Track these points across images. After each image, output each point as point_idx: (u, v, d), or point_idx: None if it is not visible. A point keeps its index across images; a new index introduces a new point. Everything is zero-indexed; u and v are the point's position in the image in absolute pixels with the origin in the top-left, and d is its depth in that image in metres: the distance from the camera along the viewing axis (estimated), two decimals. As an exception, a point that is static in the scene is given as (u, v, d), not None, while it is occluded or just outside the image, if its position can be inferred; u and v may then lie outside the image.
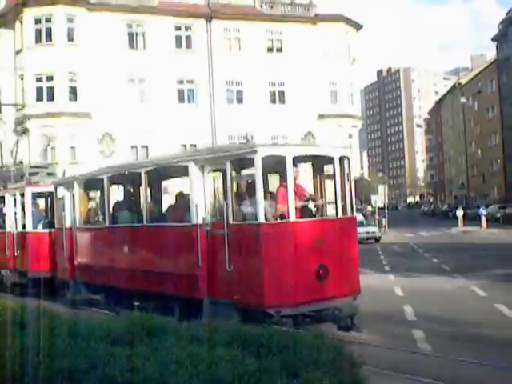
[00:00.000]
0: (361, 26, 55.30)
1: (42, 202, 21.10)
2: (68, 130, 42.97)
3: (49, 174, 21.69)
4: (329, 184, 12.52)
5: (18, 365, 6.52)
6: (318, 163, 12.70)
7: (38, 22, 43.57)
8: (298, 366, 6.49)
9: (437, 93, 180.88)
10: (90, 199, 17.07)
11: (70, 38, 44.03)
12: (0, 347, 7.00)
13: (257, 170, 10.71)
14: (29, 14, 43.47)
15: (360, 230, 44.50)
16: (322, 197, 12.68)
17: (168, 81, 46.22)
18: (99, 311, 14.61)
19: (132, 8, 45.83)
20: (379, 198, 54.58)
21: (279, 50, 50.83)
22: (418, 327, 12.24)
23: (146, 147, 45.74)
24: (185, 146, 46.50)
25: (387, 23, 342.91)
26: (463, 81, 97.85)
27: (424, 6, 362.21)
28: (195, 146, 46.41)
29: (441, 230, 53.05)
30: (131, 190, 16.04)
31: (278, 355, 6.74)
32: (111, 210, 15.14)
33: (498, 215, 60.14)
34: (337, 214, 11.76)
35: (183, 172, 12.59)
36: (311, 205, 12.17)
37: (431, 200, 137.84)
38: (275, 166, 11.41)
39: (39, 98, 43.15)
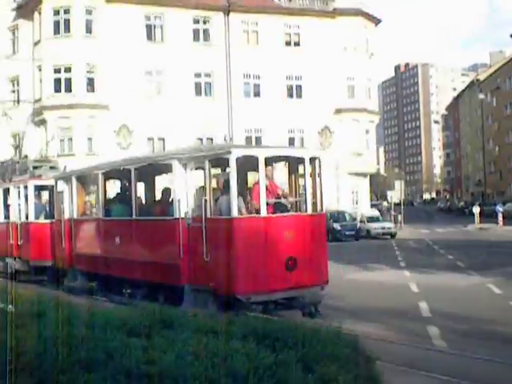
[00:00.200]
0: (379, 21, 55.05)
1: (46, 195, 21.85)
2: (85, 122, 43.13)
3: (51, 167, 22.70)
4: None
5: (35, 355, 6.57)
6: (292, 163, 13.49)
7: (56, 13, 43.67)
8: (314, 360, 6.51)
9: (455, 89, 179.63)
10: (86, 193, 18.00)
11: (89, 30, 44.12)
12: (18, 337, 7.05)
13: (231, 169, 11.67)
14: (47, 5, 43.59)
15: (375, 225, 44.77)
16: (296, 194, 13.39)
17: (185, 74, 46.23)
18: (95, 298, 15.28)
19: (151, 0, 45.88)
20: (395, 194, 54.41)
21: (297, 43, 50.71)
22: (433, 324, 12.20)
23: (163, 139, 45.80)
24: (201, 139, 46.60)
25: (405, 18, 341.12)
26: (481, 77, 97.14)
27: (443, 2, 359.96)
28: (212, 139, 46.62)
29: (457, 226, 52.86)
30: (123, 184, 16.81)
31: (294, 349, 6.77)
32: (106, 203, 16.23)
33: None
34: (307, 210, 12.61)
35: (168, 169, 13.45)
36: (287, 201, 12.95)
37: (447, 196, 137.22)
38: (254, 165, 12.18)
39: (57, 90, 43.26)
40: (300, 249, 11.96)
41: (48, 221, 19.82)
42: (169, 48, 45.92)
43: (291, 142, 49.79)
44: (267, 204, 11.90)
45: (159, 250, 13.72)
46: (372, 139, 53.86)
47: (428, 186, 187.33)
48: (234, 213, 11.58)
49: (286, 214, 12.49)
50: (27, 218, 20.48)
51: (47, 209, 20.89)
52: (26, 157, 24.99)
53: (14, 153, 24.98)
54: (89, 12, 44.00)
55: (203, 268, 12.09)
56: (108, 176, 16.38)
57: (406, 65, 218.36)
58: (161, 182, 16.40)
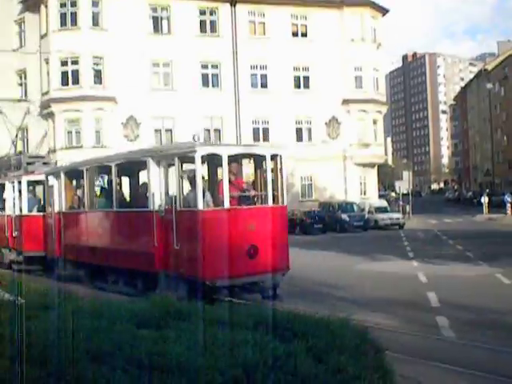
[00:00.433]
0: (387, 11, 54.83)
1: (40, 189, 22.85)
2: (93, 114, 43.16)
3: (45, 163, 23.98)
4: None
5: (45, 346, 6.60)
6: (257, 160, 14.38)
7: (63, 5, 43.63)
8: (323, 350, 6.51)
9: (462, 79, 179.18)
10: (74, 187, 19.38)
11: (95, 22, 44.09)
12: (28, 329, 7.08)
13: (196, 166, 12.84)
14: (54, -3, 43.57)
15: (383, 216, 44.73)
16: (261, 189, 14.12)
17: (192, 65, 46.21)
18: (83, 286, 16.40)
19: (157, -8, 45.83)
20: (403, 185, 54.33)
21: (304, 34, 50.57)
22: (441, 314, 12.17)
23: (170, 131, 45.85)
24: (208, 130, 46.64)
25: (413, 8, 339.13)
26: (489, 67, 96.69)
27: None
28: (219, 130, 46.67)
29: (465, 217, 52.76)
30: (105, 179, 18.25)
31: (303, 340, 6.77)
32: (91, 196, 17.40)
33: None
34: (268, 202, 13.61)
35: (144, 166, 14.68)
36: (250, 195, 13.98)
37: (456, 187, 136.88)
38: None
39: (64, 82, 43.31)
40: (262, 238, 13.07)
41: (41, 214, 20.95)
42: (175, 39, 45.90)
43: (298, 132, 49.79)
44: (231, 197, 12.99)
45: (137, 239, 14.92)
46: (380, 130, 53.72)
47: (436, 177, 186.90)
48: (200, 205, 12.66)
49: (248, 206, 13.62)
50: (21, 211, 21.62)
51: (40, 202, 22.08)
52: (20, 153, 26.08)
53: (15, 147, 25.69)
54: (95, 4, 43.94)
55: (174, 256, 13.30)
56: (92, 171, 17.40)
57: (414, 55, 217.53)
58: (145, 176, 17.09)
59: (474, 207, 65.03)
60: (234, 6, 48.21)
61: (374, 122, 52.43)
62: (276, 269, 13.27)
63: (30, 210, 21.39)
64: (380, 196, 61.17)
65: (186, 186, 13.68)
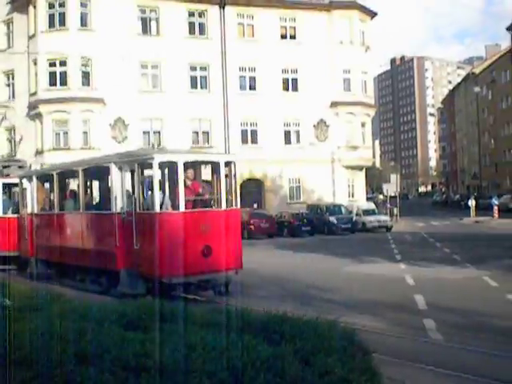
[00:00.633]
0: (375, 14, 54.95)
1: (16, 191, 23.45)
2: (81, 116, 43.03)
3: (20, 167, 25.00)
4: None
5: (31, 348, 6.57)
6: (214, 166, 15.27)
7: (51, 6, 43.52)
8: (311, 353, 6.51)
9: (450, 82, 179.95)
10: (45, 190, 20.32)
11: (84, 23, 43.97)
12: (15, 331, 7.06)
13: (154, 172, 13.94)
14: (42, -2, 43.40)
15: (371, 218, 44.81)
16: (218, 193, 14.94)
17: (181, 67, 46.19)
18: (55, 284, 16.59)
19: (145, -7, 45.76)
20: (391, 187, 54.45)
21: (293, 36, 50.65)
22: (429, 316, 12.20)
23: (159, 133, 45.82)
24: (197, 132, 46.69)
25: (401, 11, 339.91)
26: (477, 70, 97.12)
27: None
28: (207, 132, 46.71)
29: (453, 219, 52.96)
30: (73, 183, 19.38)
31: (291, 342, 6.77)
32: (60, 199, 18.51)
33: (511, 205, 59.84)
34: (221, 206, 14.67)
35: (108, 171, 15.66)
36: (205, 198, 15.00)
37: (443, 189, 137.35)
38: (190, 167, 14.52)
39: (52, 83, 43.17)
40: (215, 239, 14.06)
41: (15, 215, 21.74)
42: (164, 41, 45.87)
43: (287, 135, 49.84)
44: (187, 201, 14.01)
45: (101, 239, 15.99)
46: (368, 132, 53.86)
47: (424, 179, 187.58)
48: (157, 208, 13.81)
49: (203, 209, 14.61)
50: None
51: (15, 204, 22.63)
52: None
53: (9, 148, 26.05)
54: (84, 5, 43.82)
55: (134, 255, 14.35)
56: (62, 175, 18.61)
57: (402, 58, 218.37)
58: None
59: (461, 210, 65.23)
60: (223, 8, 48.22)
61: (362, 125, 52.56)
62: (229, 267, 14.29)
63: (4, 212, 22.21)
64: (368, 198, 61.29)
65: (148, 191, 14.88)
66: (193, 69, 47.47)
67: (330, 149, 50.06)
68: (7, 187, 23.09)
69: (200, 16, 48.03)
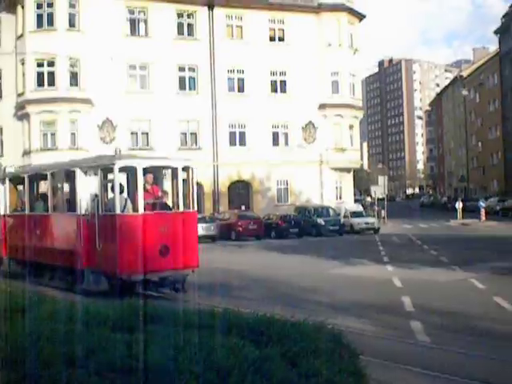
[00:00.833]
0: (363, 17, 55.06)
1: None
2: (68, 116, 42.82)
3: None
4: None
5: (18, 350, 6.53)
6: (173, 171, 16.18)
7: (39, 6, 43.29)
8: (298, 354, 6.51)
9: (438, 85, 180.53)
10: (17, 192, 21.03)
11: (72, 24, 43.74)
12: (1, 332, 7.01)
13: (115, 176, 14.96)
14: (30, -2, 43.20)
15: (359, 220, 44.87)
16: (177, 196, 15.87)
17: (169, 68, 46.12)
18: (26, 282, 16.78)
19: (134, -6, 45.65)
20: (379, 189, 54.53)
21: (281, 39, 50.67)
22: (416, 318, 12.23)
23: (147, 134, 45.78)
24: (185, 134, 46.67)
25: (390, 14, 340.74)
26: (465, 73, 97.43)
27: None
28: (195, 134, 46.69)
29: (440, 222, 53.10)
30: (43, 185, 19.79)
31: (278, 344, 6.77)
32: (31, 200, 19.28)
33: (498, 208, 60.13)
34: (179, 208, 15.54)
35: (74, 175, 16.58)
36: (163, 202, 15.89)
37: (430, 192, 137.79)
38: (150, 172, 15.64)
39: (40, 84, 42.94)
40: (172, 239, 14.89)
41: None
42: (153, 42, 45.79)
43: (275, 137, 49.86)
44: (147, 203, 14.94)
45: (67, 240, 16.85)
46: (356, 135, 53.96)
47: (411, 182, 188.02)
48: (117, 210, 14.74)
49: (161, 211, 15.43)
50: None
51: None
52: None
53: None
54: (72, 5, 43.63)
55: (97, 254, 15.25)
56: (32, 178, 19.48)
57: (390, 60, 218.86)
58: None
59: (448, 212, 65.46)
60: (212, 9, 48.18)
61: (350, 127, 52.63)
62: (185, 266, 15.13)
63: None
64: (356, 200, 61.40)
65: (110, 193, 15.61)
66: (181, 70, 47.38)
67: (318, 151, 50.14)
68: None
69: (189, 17, 47.97)
